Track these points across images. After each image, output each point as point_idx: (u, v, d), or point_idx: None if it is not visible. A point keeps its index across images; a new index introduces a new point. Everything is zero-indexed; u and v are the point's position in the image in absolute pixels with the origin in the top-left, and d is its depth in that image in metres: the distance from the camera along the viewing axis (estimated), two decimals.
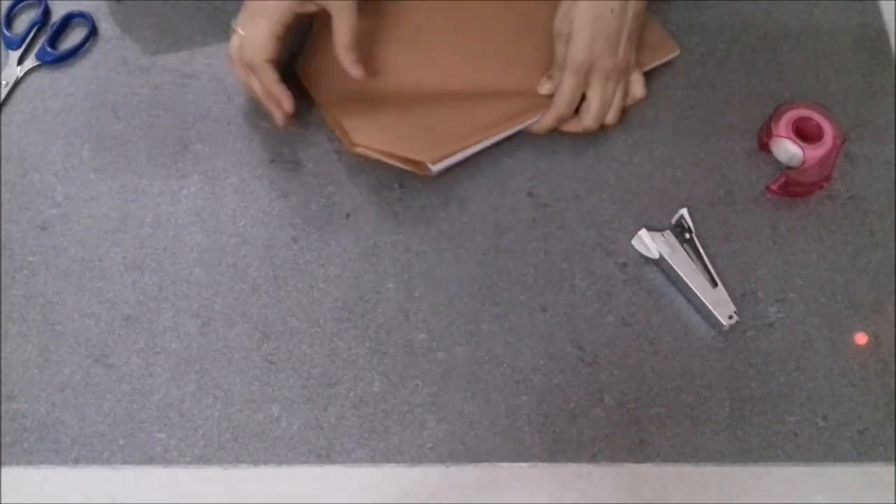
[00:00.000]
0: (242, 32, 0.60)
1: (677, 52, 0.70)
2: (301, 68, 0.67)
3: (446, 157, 0.63)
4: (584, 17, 0.60)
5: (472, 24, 0.68)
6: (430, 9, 0.68)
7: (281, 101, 0.62)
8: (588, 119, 0.64)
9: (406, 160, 0.62)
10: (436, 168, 0.63)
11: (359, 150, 0.62)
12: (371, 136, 0.63)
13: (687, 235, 0.63)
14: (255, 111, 0.67)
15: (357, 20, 0.60)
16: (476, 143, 0.64)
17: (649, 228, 0.62)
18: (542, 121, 0.65)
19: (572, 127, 0.65)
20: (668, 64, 0.71)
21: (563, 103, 0.63)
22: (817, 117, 0.66)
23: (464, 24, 0.68)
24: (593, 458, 0.57)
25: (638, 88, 0.66)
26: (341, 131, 0.65)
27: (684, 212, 0.64)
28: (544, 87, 0.65)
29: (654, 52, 0.69)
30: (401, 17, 0.68)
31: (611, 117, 0.65)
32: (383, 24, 0.67)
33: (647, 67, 0.69)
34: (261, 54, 0.59)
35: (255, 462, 0.56)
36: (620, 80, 0.64)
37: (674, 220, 0.64)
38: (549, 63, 0.65)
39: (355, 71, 0.62)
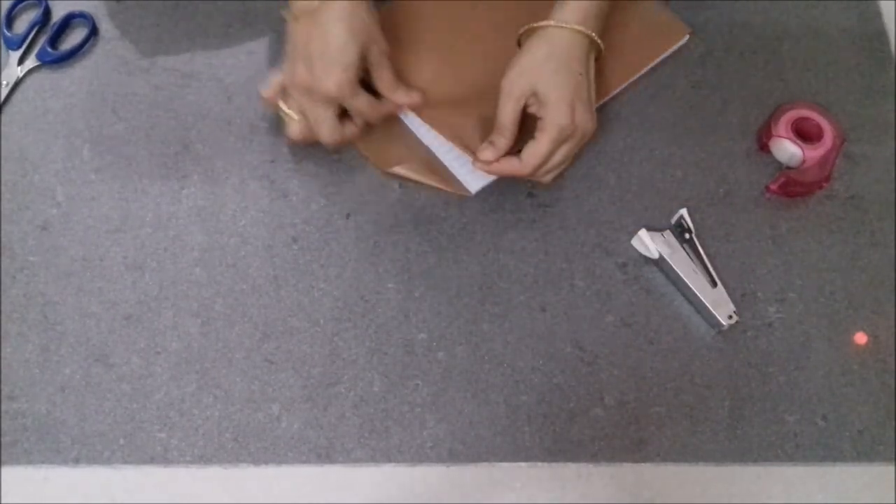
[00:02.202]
0: (295, 116, 0.63)
1: (688, 35, 0.70)
2: None
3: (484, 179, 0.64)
4: (561, 84, 0.59)
5: (495, 35, 0.67)
6: (451, 21, 0.69)
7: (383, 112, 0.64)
8: (548, 177, 0.62)
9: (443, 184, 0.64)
10: (475, 190, 0.64)
11: (392, 171, 0.64)
12: (405, 165, 0.64)
13: (687, 235, 0.63)
14: (255, 111, 0.67)
15: (391, 67, 0.63)
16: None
17: (649, 228, 0.62)
18: (498, 168, 0.61)
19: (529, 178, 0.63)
20: (668, 63, 0.71)
21: (534, 166, 0.60)
22: (817, 117, 0.66)
23: (488, 33, 0.68)
24: (593, 458, 0.57)
25: None
26: (374, 156, 0.65)
27: (684, 212, 0.64)
28: (486, 153, 0.61)
29: (666, 38, 0.69)
30: (424, 32, 0.68)
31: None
32: (409, 42, 0.68)
33: (663, 55, 0.69)
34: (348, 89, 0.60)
35: (255, 462, 0.56)
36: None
37: (674, 220, 0.64)
38: None
39: (414, 97, 0.64)
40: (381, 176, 0.65)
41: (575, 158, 0.66)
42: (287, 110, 0.63)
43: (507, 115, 0.60)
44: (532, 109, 0.60)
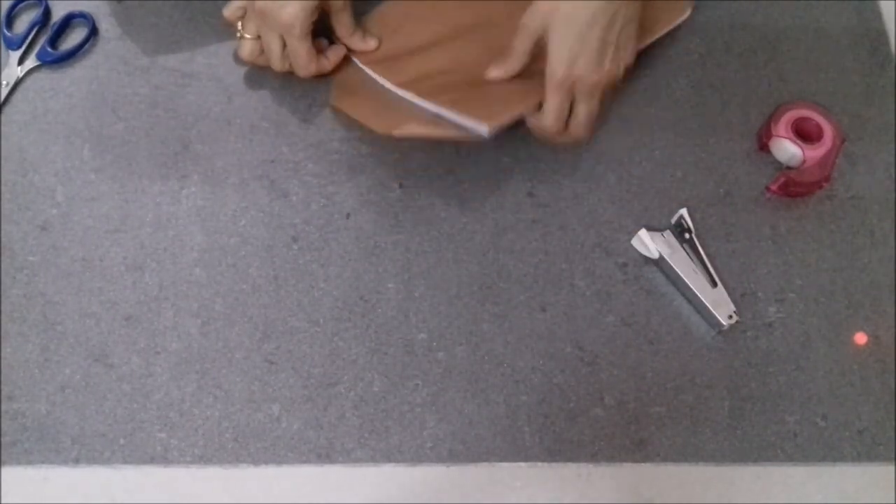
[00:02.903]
0: (249, 36, 0.64)
1: (689, 11, 0.71)
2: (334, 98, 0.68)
3: (502, 120, 0.62)
4: (566, 34, 0.58)
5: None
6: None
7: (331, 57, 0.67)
8: (578, 129, 0.62)
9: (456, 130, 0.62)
10: (488, 132, 0.62)
11: (401, 132, 0.63)
12: (413, 124, 0.63)
13: (687, 235, 0.63)
14: (255, 111, 0.67)
15: (352, 17, 0.65)
16: (528, 104, 0.63)
17: (649, 228, 0.62)
18: (537, 130, 0.63)
19: (564, 139, 0.64)
20: (668, 63, 0.71)
21: (550, 119, 0.61)
22: (817, 117, 0.66)
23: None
24: (593, 458, 0.57)
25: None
26: (377, 124, 0.64)
27: (684, 212, 0.64)
28: (494, 71, 0.63)
29: (667, 14, 0.69)
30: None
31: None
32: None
33: (662, 32, 0.69)
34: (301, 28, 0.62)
35: (255, 462, 0.56)
36: (608, 90, 0.61)
37: (673, 220, 0.64)
38: None
39: (370, 43, 0.67)
40: (386, 137, 0.63)
41: (575, 158, 0.66)
42: (241, 31, 0.65)
43: (520, 45, 0.61)
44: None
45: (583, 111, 0.61)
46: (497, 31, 0.65)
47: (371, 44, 0.67)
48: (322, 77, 0.67)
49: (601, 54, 0.59)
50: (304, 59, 0.64)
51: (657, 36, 0.69)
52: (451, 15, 0.69)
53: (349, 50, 0.67)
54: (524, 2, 0.62)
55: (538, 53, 0.61)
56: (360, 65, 0.68)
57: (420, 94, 0.64)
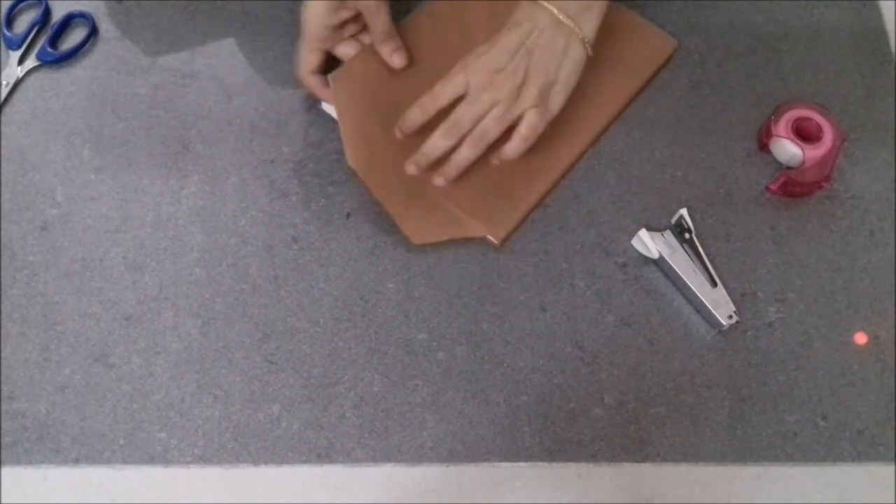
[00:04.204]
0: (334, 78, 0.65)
1: (675, 47, 0.70)
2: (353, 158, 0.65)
3: (510, 228, 0.63)
4: (485, 48, 0.61)
5: None
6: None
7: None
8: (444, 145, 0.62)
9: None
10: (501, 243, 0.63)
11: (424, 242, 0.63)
12: (429, 232, 0.63)
13: (687, 235, 0.63)
14: (255, 111, 0.67)
15: (389, 17, 0.64)
16: (534, 200, 0.64)
17: (649, 228, 0.62)
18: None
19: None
20: (668, 63, 0.71)
21: (432, 93, 0.62)
22: (817, 117, 0.66)
23: None
24: (593, 458, 0.57)
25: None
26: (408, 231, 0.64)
27: (684, 212, 0.64)
28: (437, 181, 0.63)
29: (652, 53, 0.69)
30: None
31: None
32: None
33: (651, 72, 0.69)
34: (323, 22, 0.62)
35: (255, 462, 0.56)
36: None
37: (673, 220, 0.64)
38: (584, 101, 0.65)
39: (397, 59, 0.65)
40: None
41: (578, 159, 0.66)
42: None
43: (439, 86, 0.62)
44: None
45: (463, 116, 0.61)
46: None
47: (397, 60, 0.65)
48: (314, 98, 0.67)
49: (508, 67, 0.60)
50: (300, 56, 0.64)
51: (644, 80, 0.69)
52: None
53: (382, 53, 0.65)
54: None
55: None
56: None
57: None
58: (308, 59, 0.64)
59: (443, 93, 0.61)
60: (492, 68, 0.60)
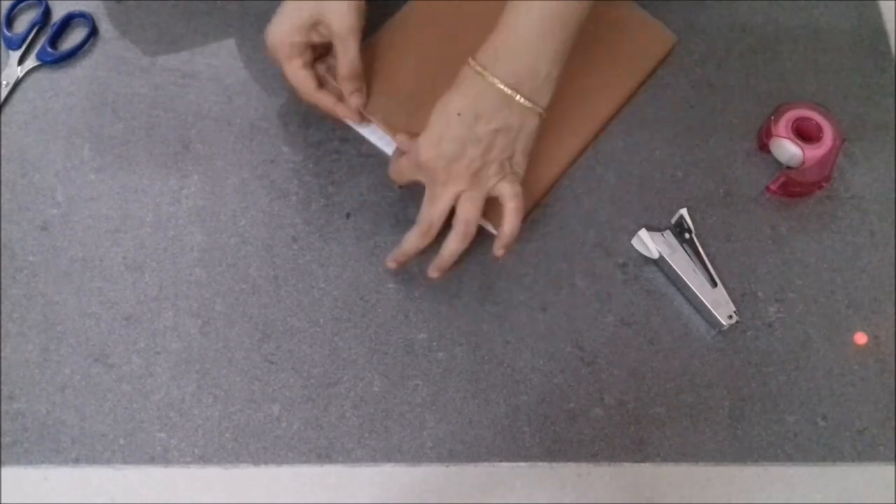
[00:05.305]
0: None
1: (674, 41, 0.70)
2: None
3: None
4: (440, 122, 0.56)
5: None
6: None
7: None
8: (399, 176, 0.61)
9: None
10: None
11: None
12: None
13: (687, 235, 0.63)
14: (255, 111, 0.67)
15: (359, 53, 0.60)
16: (538, 195, 0.64)
17: (649, 228, 0.62)
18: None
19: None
20: (668, 63, 0.71)
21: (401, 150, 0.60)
22: (817, 117, 0.66)
23: None
24: (593, 458, 0.57)
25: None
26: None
27: (684, 212, 0.64)
28: (400, 136, 0.60)
29: (652, 47, 0.69)
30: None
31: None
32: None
33: (649, 68, 0.69)
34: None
35: (255, 462, 0.56)
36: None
37: (673, 220, 0.64)
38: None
39: (354, 100, 0.62)
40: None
41: (574, 163, 0.66)
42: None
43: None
44: None
45: (404, 168, 0.60)
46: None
47: (355, 101, 0.62)
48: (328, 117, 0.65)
49: (458, 142, 0.56)
50: (295, 84, 0.61)
51: (645, 73, 0.69)
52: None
53: (343, 90, 0.62)
54: None
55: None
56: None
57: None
58: (299, 77, 0.61)
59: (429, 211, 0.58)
60: (444, 161, 0.56)
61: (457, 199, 0.58)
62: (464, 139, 0.56)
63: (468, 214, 0.58)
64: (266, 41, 0.60)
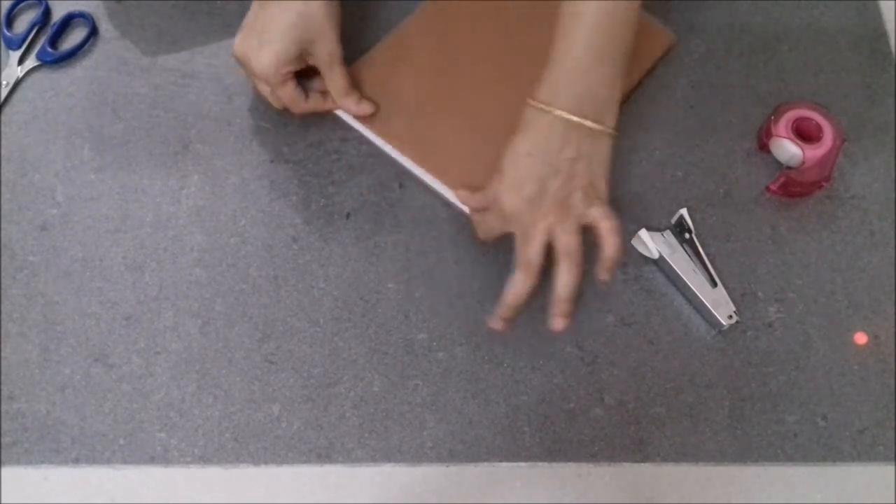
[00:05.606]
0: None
1: (673, 40, 0.70)
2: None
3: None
4: (519, 165, 0.55)
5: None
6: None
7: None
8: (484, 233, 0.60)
9: None
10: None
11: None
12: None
13: (687, 235, 0.63)
14: (255, 111, 0.67)
15: (345, 71, 0.63)
16: None
17: (649, 228, 0.62)
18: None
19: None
20: (668, 63, 0.71)
21: (475, 203, 0.60)
22: (817, 117, 0.65)
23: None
24: (593, 458, 0.57)
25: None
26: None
27: (684, 212, 0.64)
28: (462, 195, 0.61)
29: (652, 45, 0.69)
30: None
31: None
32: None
33: (649, 64, 0.69)
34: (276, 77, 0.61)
35: (255, 462, 0.56)
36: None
37: (674, 220, 0.64)
38: None
39: (364, 108, 0.65)
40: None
41: None
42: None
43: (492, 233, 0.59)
44: None
45: (490, 222, 0.59)
46: (490, 89, 0.66)
47: (365, 109, 0.65)
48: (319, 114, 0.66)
49: (537, 183, 0.55)
50: (288, 103, 0.63)
51: (644, 71, 0.69)
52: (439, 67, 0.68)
53: (346, 109, 0.65)
54: (515, 56, 0.65)
55: None
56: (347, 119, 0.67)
57: (408, 154, 0.65)
58: (293, 97, 0.63)
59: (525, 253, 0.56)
60: (529, 202, 0.55)
61: (549, 233, 0.55)
62: (542, 175, 0.55)
63: (568, 246, 0.55)
64: (253, 69, 0.60)
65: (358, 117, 0.66)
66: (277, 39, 0.59)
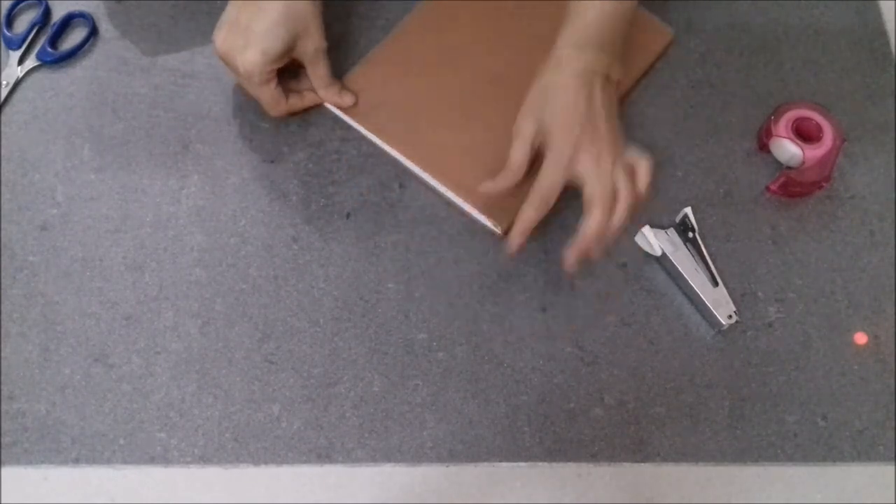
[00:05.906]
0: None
1: (671, 37, 0.70)
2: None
3: (513, 218, 0.62)
4: (565, 118, 0.57)
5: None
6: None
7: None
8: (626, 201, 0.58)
9: None
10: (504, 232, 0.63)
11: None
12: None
13: (690, 234, 0.63)
14: (255, 111, 0.67)
15: (328, 65, 0.63)
16: None
17: (653, 226, 0.62)
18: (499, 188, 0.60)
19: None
20: (668, 63, 0.71)
21: (541, 194, 0.58)
22: (817, 117, 0.66)
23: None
24: (593, 458, 0.57)
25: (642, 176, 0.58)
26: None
27: (688, 210, 0.63)
28: (487, 185, 0.60)
29: (649, 43, 0.69)
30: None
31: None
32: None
33: (648, 62, 0.69)
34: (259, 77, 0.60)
35: (255, 462, 0.56)
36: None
37: (678, 219, 0.64)
38: None
39: (346, 99, 0.65)
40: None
41: None
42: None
43: (517, 154, 0.59)
44: (544, 148, 0.58)
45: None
46: (487, 95, 0.66)
47: (347, 100, 0.65)
48: (296, 114, 0.66)
49: (601, 127, 0.57)
50: (267, 104, 0.63)
51: (644, 67, 0.69)
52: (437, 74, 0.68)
53: (329, 101, 0.66)
54: (513, 56, 0.65)
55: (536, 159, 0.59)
56: (346, 118, 0.67)
57: (427, 168, 0.64)
58: (275, 95, 0.62)
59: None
60: (580, 127, 0.57)
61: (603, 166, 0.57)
62: (585, 111, 0.57)
63: (621, 180, 0.57)
64: (238, 68, 0.60)
65: (357, 118, 0.66)
66: (263, 38, 0.58)
